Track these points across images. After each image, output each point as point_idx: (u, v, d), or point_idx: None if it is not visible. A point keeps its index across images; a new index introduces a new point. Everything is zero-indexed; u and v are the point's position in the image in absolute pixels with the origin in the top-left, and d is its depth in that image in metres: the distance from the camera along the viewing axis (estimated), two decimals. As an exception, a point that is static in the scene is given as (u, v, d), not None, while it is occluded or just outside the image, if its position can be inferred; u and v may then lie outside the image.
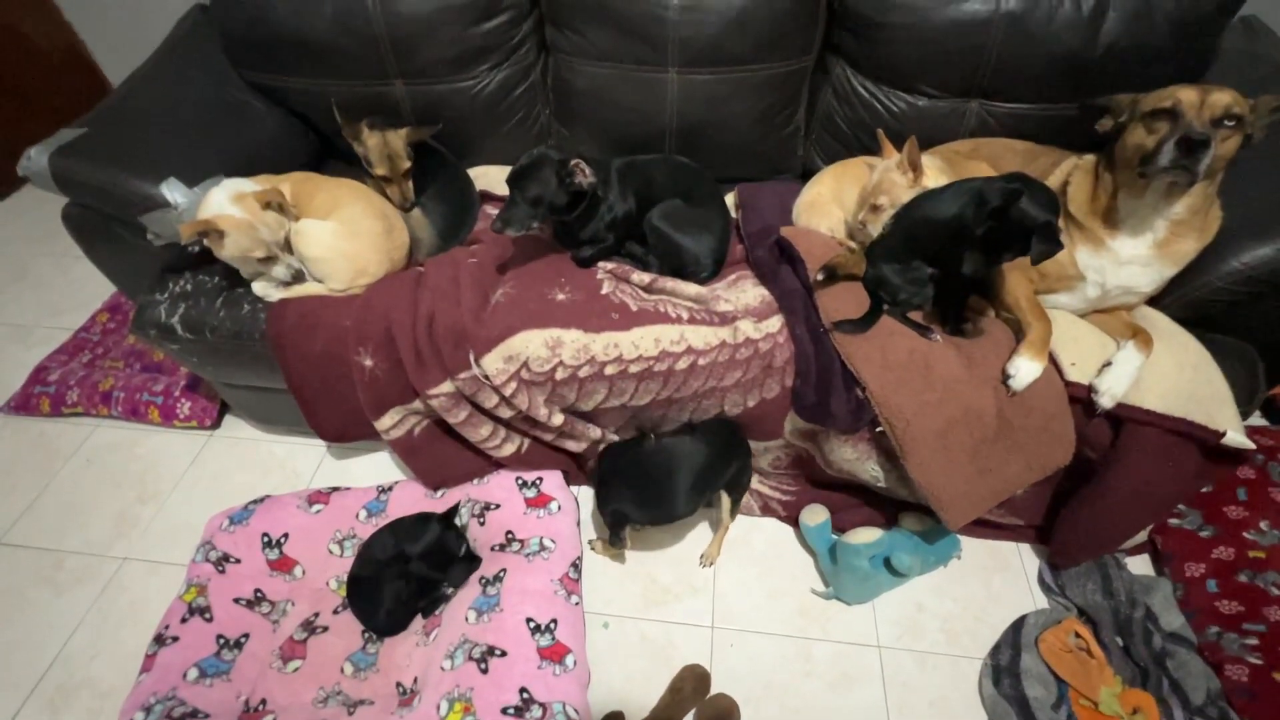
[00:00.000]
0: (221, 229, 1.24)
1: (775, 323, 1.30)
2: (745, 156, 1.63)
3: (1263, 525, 1.38)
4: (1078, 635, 1.32)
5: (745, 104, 1.52)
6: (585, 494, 1.60)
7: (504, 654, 1.19)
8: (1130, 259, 1.17)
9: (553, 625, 1.25)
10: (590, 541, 1.51)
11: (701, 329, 1.29)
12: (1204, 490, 1.45)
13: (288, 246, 1.34)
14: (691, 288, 1.38)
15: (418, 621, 1.36)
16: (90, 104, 1.43)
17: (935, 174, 1.25)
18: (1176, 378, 1.15)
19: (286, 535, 1.44)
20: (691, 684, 1.27)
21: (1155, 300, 1.24)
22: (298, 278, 1.38)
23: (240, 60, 1.58)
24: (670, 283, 1.39)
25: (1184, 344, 1.19)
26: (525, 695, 1.14)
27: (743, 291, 1.37)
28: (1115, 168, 1.16)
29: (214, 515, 1.47)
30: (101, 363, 1.92)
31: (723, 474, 1.34)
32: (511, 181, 1.29)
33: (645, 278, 1.41)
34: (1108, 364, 1.16)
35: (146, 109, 1.45)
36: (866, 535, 1.37)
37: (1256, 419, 1.69)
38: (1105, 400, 1.14)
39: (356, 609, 1.35)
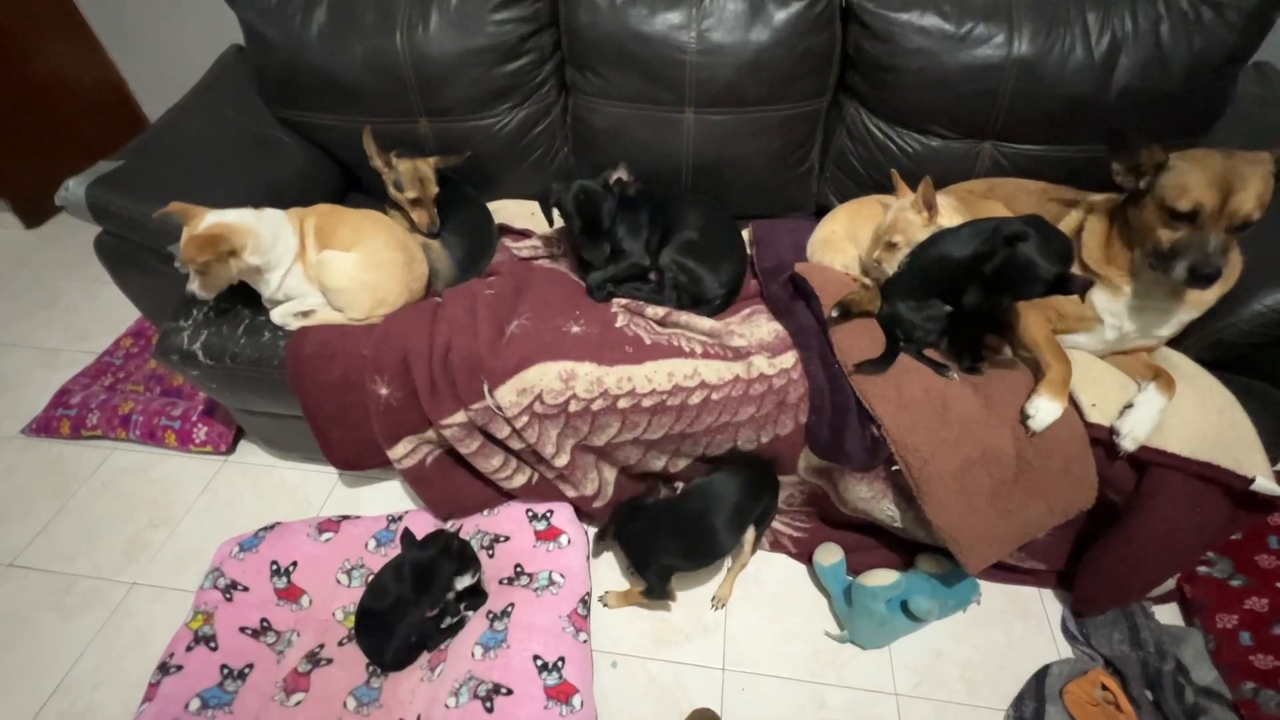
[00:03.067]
0: (186, 221, 1.27)
1: (789, 358, 1.29)
2: (760, 194, 1.65)
3: (1297, 576, 1.33)
4: (1105, 688, 1.27)
5: (760, 143, 1.55)
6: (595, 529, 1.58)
7: (510, 692, 1.17)
8: (1148, 307, 1.16)
9: (560, 664, 1.22)
10: (602, 597, 1.46)
11: (715, 364, 1.29)
12: (1234, 538, 1.40)
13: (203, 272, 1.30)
14: (706, 322, 1.38)
15: (423, 655, 1.33)
16: (128, 139, 1.48)
17: (950, 213, 1.26)
18: (1201, 421, 1.13)
19: (295, 564, 1.43)
20: (701, 729, 1.23)
21: (1177, 342, 1.23)
22: (190, 297, 1.34)
23: (272, 98, 1.64)
24: (685, 316, 1.40)
25: (1208, 386, 1.17)
26: (531, 737, 1.11)
27: (757, 326, 1.38)
28: (1132, 229, 1.12)
29: (224, 541, 1.47)
30: (123, 386, 1.95)
31: (755, 508, 1.36)
32: (590, 225, 1.40)
33: (660, 311, 1.42)
34: (1129, 405, 1.14)
35: (181, 143, 1.51)
36: (883, 578, 1.33)
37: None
38: (1127, 443, 1.12)
39: (364, 643, 1.33)
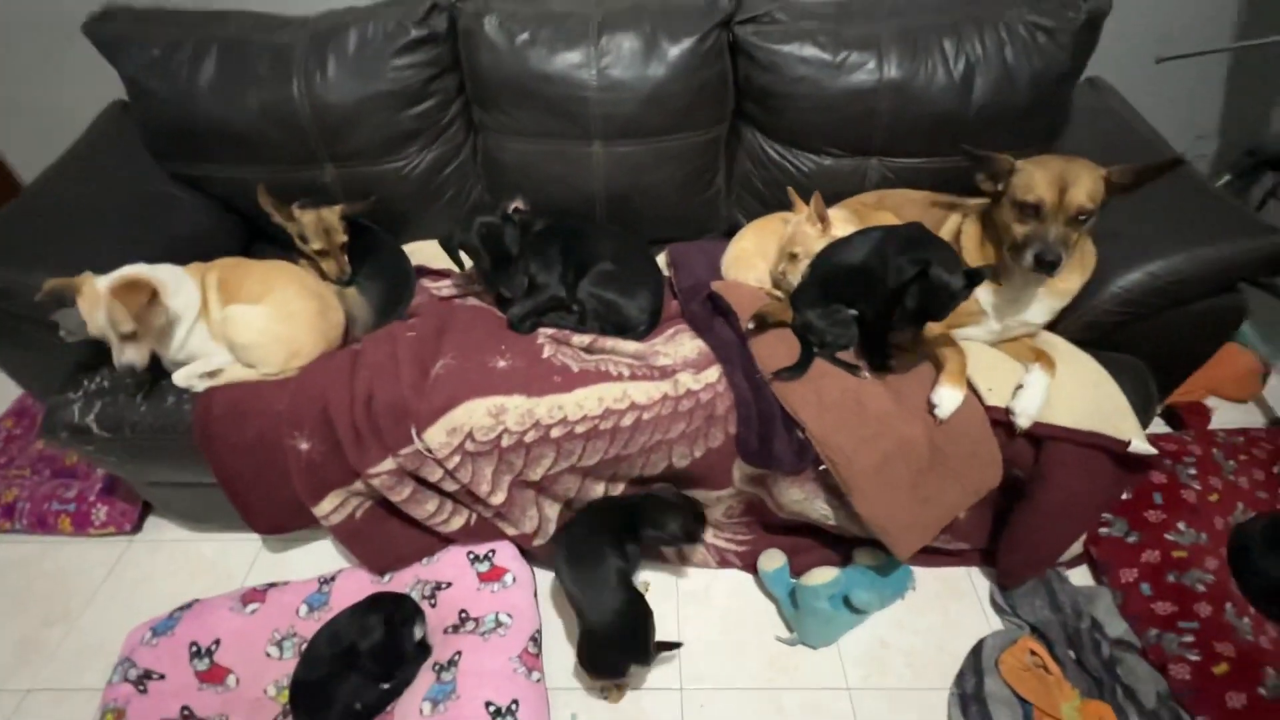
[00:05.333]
0: (76, 288, 1.19)
1: (714, 373, 1.34)
2: (672, 219, 1.71)
3: (1180, 526, 1.48)
4: (1034, 653, 1.36)
5: (667, 171, 1.62)
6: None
7: (463, 745, 1.12)
8: (1022, 298, 1.28)
9: (514, 707, 1.19)
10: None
11: (643, 384, 1.32)
12: (1125, 499, 1.54)
13: (131, 340, 1.22)
14: (631, 345, 1.41)
15: (368, 722, 1.26)
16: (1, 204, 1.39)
17: (842, 224, 1.36)
18: (1082, 395, 1.25)
19: (218, 642, 1.33)
20: (664, 753, 1.22)
21: (1053, 325, 1.36)
22: (126, 371, 1.24)
23: (163, 153, 1.57)
24: (610, 342, 1.43)
25: (1084, 363, 1.30)
26: (488, 788, 1.07)
27: (680, 345, 1.42)
28: (997, 228, 1.26)
29: (134, 628, 1.35)
30: (5, 472, 1.77)
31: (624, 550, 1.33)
32: (499, 257, 1.41)
33: (585, 339, 1.44)
34: (1020, 387, 1.25)
35: (59, 206, 1.42)
36: (824, 575, 1.38)
37: (1161, 428, 1.84)
38: (1022, 420, 1.23)
39: (301, 718, 1.24)
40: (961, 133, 1.47)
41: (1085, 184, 1.11)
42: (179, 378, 1.34)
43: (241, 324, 1.31)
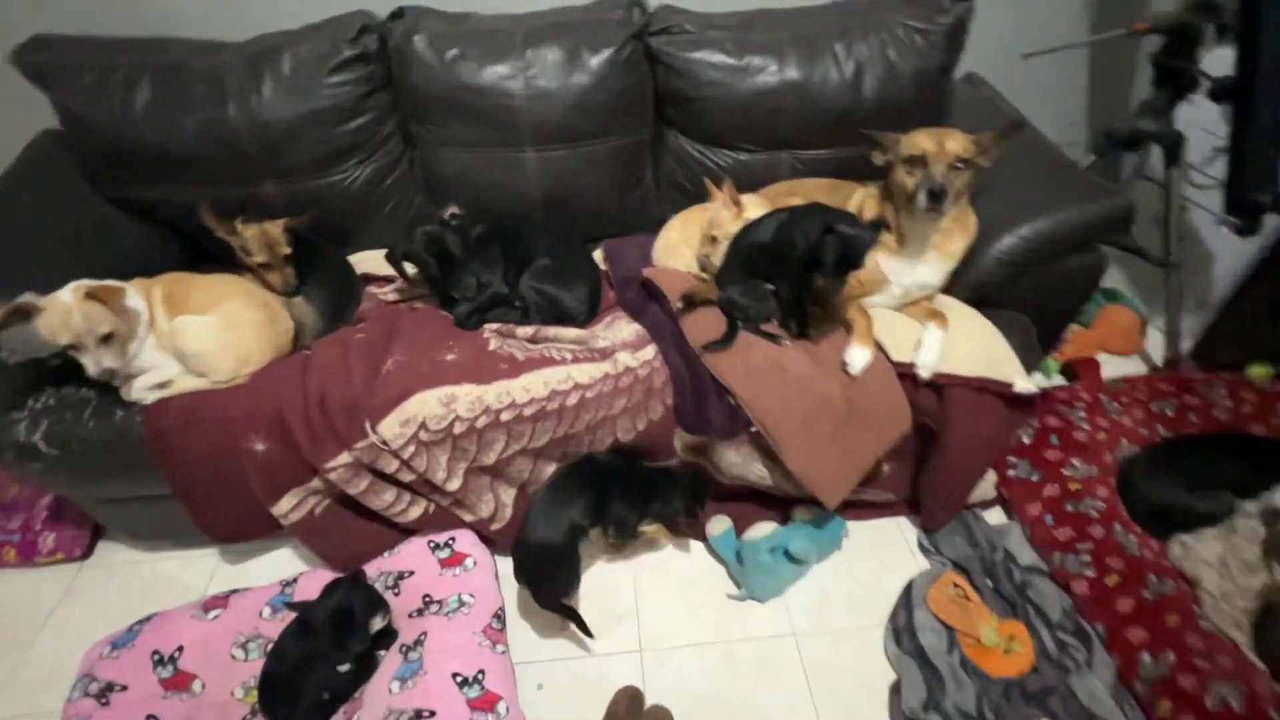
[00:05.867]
0: (38, 307, 1.22)
1: (650, 351, 1.45)
2: (606, 217, 1.83)
3: (1075, 462, 1.66)
4: (956, 585, 1.50)
5: (598, 173, 1.73)
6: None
7: (433, 714, 1.17)
8: (917, 261, 1.45)
9: (480, 675, 1.25)
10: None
11: (585, 366, 1.41)
12: (1027, 443, 1.72)
13: (105, 342, 1.27)
14: (572, 332, 1.51)
15: (339, 711, 1.30)
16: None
17: (754, 207, 1.50)
18: (971, 346, 1.41)
19: (181, 649, 1.34)
20: (625, 705, 1.30)
21: (946, 290, 1.53)
22: (105, 375, 1.28)
23: (101, 177, 1.60)
24: (552, 331, 1.52)
25: (973, 319, 1.46)
26: (459, 750, 1.13)
27: (618, 329, 1.52)
28: (892, 197, 1.45)
29: (92, 645, 1.35)
30: (-60, 510, 1.73)
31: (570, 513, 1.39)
32: (445, 262, 1.50)
33: (529, 330, 1.53)
34: (920, 343, 1.40)
35: (1, 232, 1.43)
36: (763, 530, 1.50)
37: (1059, 380, 2.04)
38: (924, 371, 1.38)
39: (271, 712, 1.27)
40: (857, 125, 1.62)
41: (958, 137, 1.33)
42: (131, 392, 1.36)
43: (190, 334, 1.35)
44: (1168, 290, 1.92)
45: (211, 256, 1.75)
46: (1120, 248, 1.90)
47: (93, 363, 1.27)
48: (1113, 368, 2.09)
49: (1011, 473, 1.69)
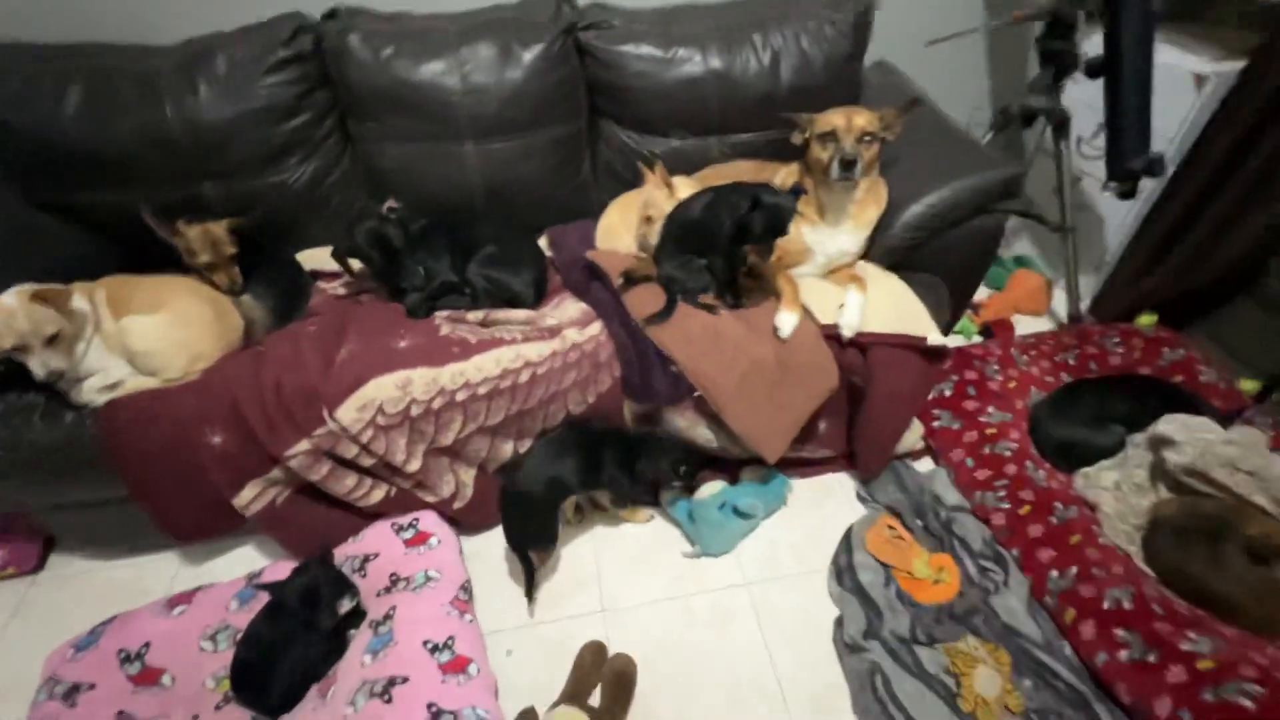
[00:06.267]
0: None
1: (596, 327, 1.53)
2: (547, 206, 1.90)
3: (990, 410, 1.82)
4: (890, 527, 1.64)
5: (536, 163, 1.81)
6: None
7: (406, 680, 1.23)
8: (836, 231, 1.58)
9: (450, 641, 1.31)
10: None
11: (535, 344, 1.49)
12: (948, 395, 1.87)
13: (51, 343, 1.28)
14: (521, 313, 1.59)
15: (311, 689, 1.34)
16: None
17: (685, 188, 1.61)
18: (888, 306, 1.55)
19: (148, 644, 1.36)
20: (590, 658, 1.38)
21: (865, 256, 1.66)
22: (52, 377, 1.29)
23: (26, 184, 1.58)
24: (502, 314, 1.59)
25: (889, 282, 1.60)
26: (434, 708, 1.19)
27: (565, 309, 1.60)
28: (811, 172, 1.58)
29: (53, 651, 1.35)
30: (-126, 537, 1.67)
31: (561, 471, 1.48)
32: (389, 254, 1.54)
33: (479, 314, 1.59)
34: (842, 306, 1.53)
35: (-80, 244, 1.41)
36: (712, 489, 1.60)
37: (977, 339, 2.22)
38: (847, 331, 1.51)
39: (246, 697, 1.30)
40: (776, 109, 1.75)
41: (864, 113, 1.48)
42: (80, 395, 1.36)
43: (139, 333, 1.37)
44: (1066, 253, 2.11)
45: (148, 260, 1.74)
46: (1023, 216, 2.09)
47: (39, 365, 1.27)
48: (1025, 326, 2.29)
49: (936, 424, 1.84)
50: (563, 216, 1.93)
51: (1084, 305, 2.23)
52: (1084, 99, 2.04)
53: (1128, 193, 1.96)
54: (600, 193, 1.96)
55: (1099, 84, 1.94)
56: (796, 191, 1.42)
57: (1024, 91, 2.00)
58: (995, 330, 2.24)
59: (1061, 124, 1.99)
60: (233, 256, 1.57)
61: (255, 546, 1.68)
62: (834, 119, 1.48)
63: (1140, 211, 2.14)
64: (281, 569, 1.53)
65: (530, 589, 1.51)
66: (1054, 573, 1.47)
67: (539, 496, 1.44)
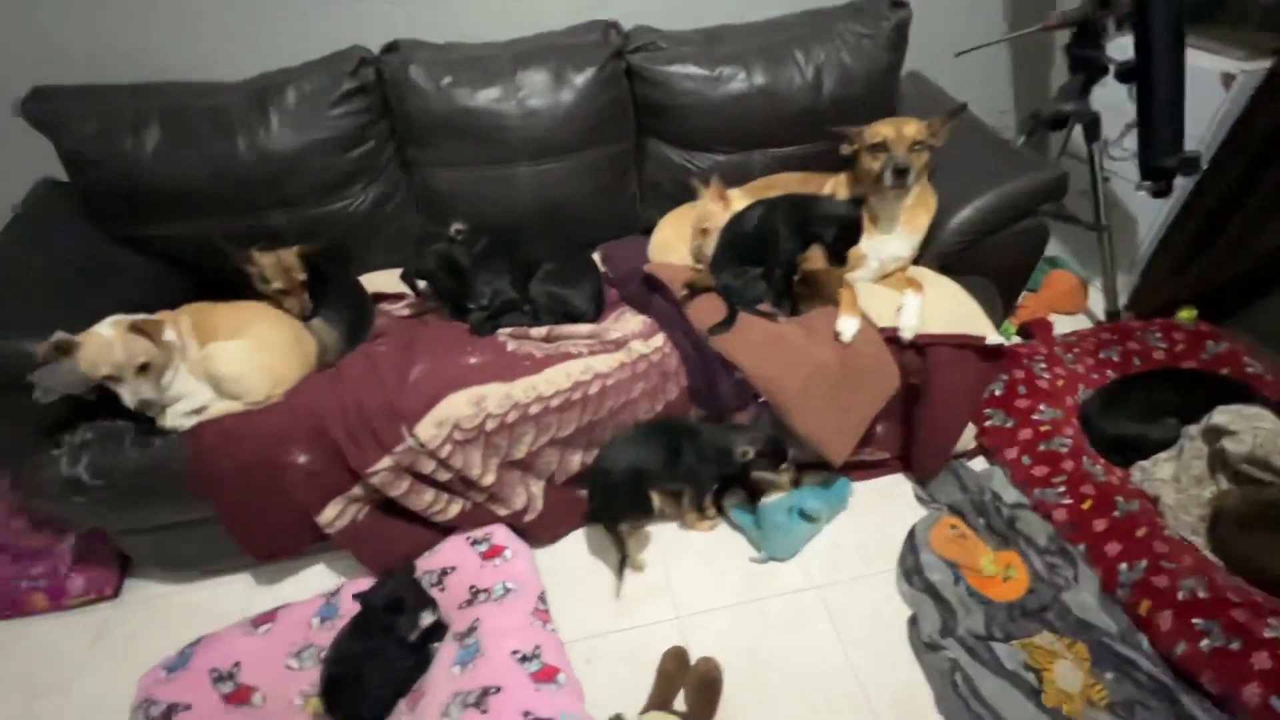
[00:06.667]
0: (76, 343, 1.27)
1: (659, 339, 1.57)
2: (596, 223, 1.95)
3: (1041, 407, 1.84)
4: (953, 526, 1.65)
5: (586, 182, 1.86)
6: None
7: (499, 690, 1.25)
8: (889, 237, 1.62)
9: (538, 650, 1.33)
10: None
11: (602, 356, 1.53)
12: (999, 395, 1.90)
13: (142, 372, 1.32)
14: (584, 328, 1.62)
15: (400, 704, 1.35)
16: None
17: (739, 200, 1.66)
18: (945, 307, 1.58)
19: (238, 664, 1.38)
20: (673, 664, 1.39)
21: (916, 261, 1.70)
22: (142, 405, 1.33)
23: (108, 218, 1.64)
24: (565, 328, 1.63)
25: (944, 284, 1.64)
26: (530, 717, 1.20)
27: (626, 322, 1.64)
28: (861, 182, 1.63)
29: (145, 672, 1.38)
30: (-49, 567, 1.70)
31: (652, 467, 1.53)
32: (458, 275, 1.60)
33: (542, 330, 1.63)
34: (900, 309, 1.57)
35: (15, 277, 1.46)
36: (778, 493, 1.62)
37: (1016, 339, 2.25)
38: (907, 333, 1.54)
39: (339, 712, 1.32)
40: (818, 122, 1.82)
41: (913, 123, 1.53)
42: (168, 421, 1.40)
43: (224, 359, 1.41)
44: (1102, 252, 2.15)
45: (214, 288, 1.79)
46: (1058, 218, 2.13)
47: (131, 394, 1.31)
48: (1061, 326, 2.32)
49: (988, 423, 1.87)
50: (610, 233, 1.99)
51: (1120, 302, 2.26)
52: (1109, 102, 2.09)
53: (1162, 191, 2.00)
54: (646, 208, 2.01)
55: (1123, 86, 2.00)
56: (857, 201, 1.47)
57: (1046, 95, 2.06)
58: (1034, 331, 2.26)
59: (1093, 126, 2.04)
60: (303, 282, 1.62)
61: (325, 565, 1.71)
62: (884, 130, 1.53)
63: (1171, 209, 2.18)
64: (357, 585, 1.55)
65: (621, 568, 1.56)
66: (1123, 566, 1.48)
67: (619, 477, 1.49)
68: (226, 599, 1.66)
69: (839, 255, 1.46)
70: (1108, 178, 2.29)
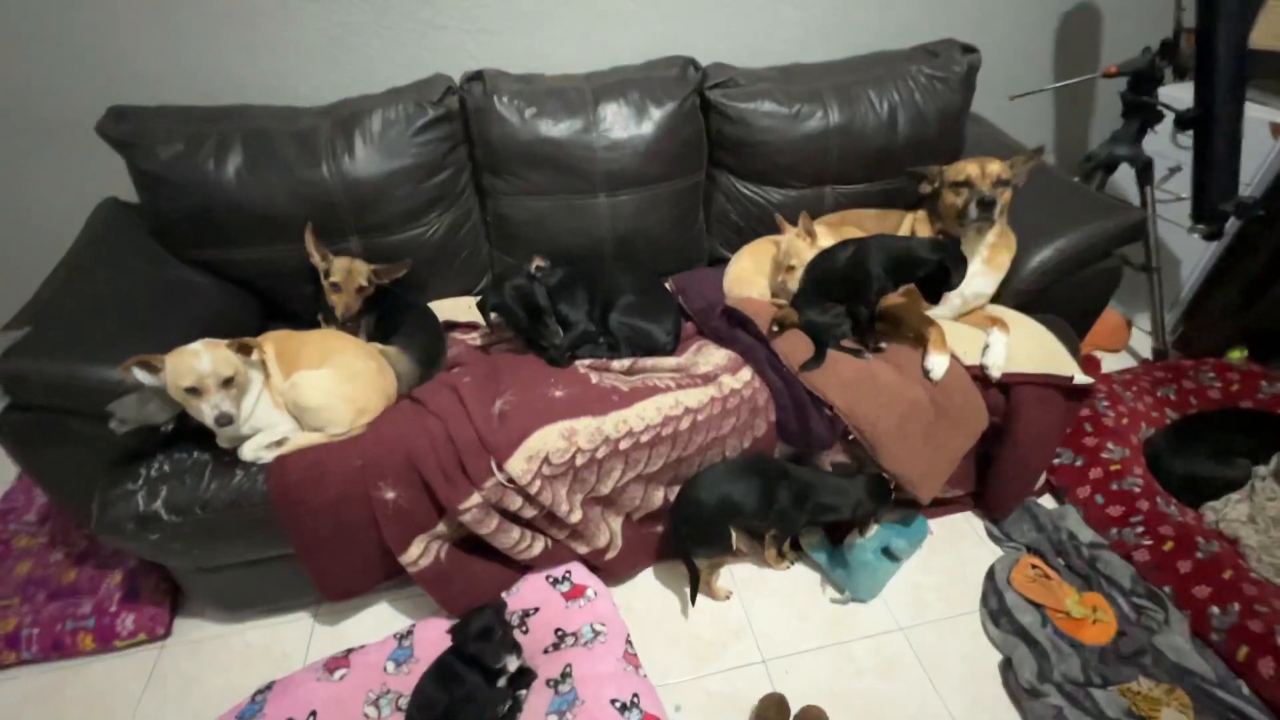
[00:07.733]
0: (160, 363, 1.23)
1: (747, 373, 1.55)
2: (667, 253, 1.94)
3: (1110, 446, 1.85)
4: (1035, 566, 1.64)
5: (661, 213, 1.86)
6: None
7: (603, 741, 1.19)
8: (972, 274, 1.63)
9: (636, 699, 1.27)
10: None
11: (692, 391, 1.50)
12: (1067, 433, 1.90)
13: (225, 386, 1.26)
14: (670, 361, 1.60)
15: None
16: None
17: (825, 237, 1.66)
18: (1030, 346, 1.59)
19: (314, 713, 1.30)
20: (774, 710, 1.35)
21: (995, 300, 1.71)
22: (222, 420, 1.25)
23: (179, 241, 1.59)
24: (649, 361, 1.60)
25: (1026, 323, 1.65)
26: (640, 771, 1.15)
27: (710, 355, 1.62)
28: (941, 219, 1.65)
29: (219, 718, 1.29)
30: (-9, 604, 1.60)
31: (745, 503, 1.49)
32: (533, 312, 1.55)
33: (624, 363, 1.60)
34: (986, 347, 1.57)
35: (87, 301, 1.40)
36: (868, 532, 1.60)
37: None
38: (994, 371, 1.54)
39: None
40: (892, 160, 1.84)
41: (996, 161, 1.56)
42: (247, 452, 1.34)
43: (309, 388, 1.36)
44: (1152, 292, 2.19)
45: (284, 316, 1.75)
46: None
47: (210, 407, 1.24)
48: (1108, 364, 2.34)
49: (1058, 461, 1.86)
50: (677, 264, 1.98)
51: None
52: (1153, 147, 2.16)
53: (1215, 234, 2.05)
54: (712, 240, 2.01)
55: (1165, 132, 2.06)
56: (955, 242, 1.47)
57: (1085, 140, 2.11)
58: (1084, 367, 2.28)
59: (1146, 170, 2.09)
60: (360, 290, 1.60)
61: (389, 604, 1.64)
62: (968, 168, 1.56)
63: (1215, 250, 2.24)
64: (431, 626, 1.50)
65: (693, 594, 1.54)
66: (1214, 609, 1.47)
67: (709, 511, 1.45)
68: (285, 640, 1.58)
69: (934, 296, 1.46)
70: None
